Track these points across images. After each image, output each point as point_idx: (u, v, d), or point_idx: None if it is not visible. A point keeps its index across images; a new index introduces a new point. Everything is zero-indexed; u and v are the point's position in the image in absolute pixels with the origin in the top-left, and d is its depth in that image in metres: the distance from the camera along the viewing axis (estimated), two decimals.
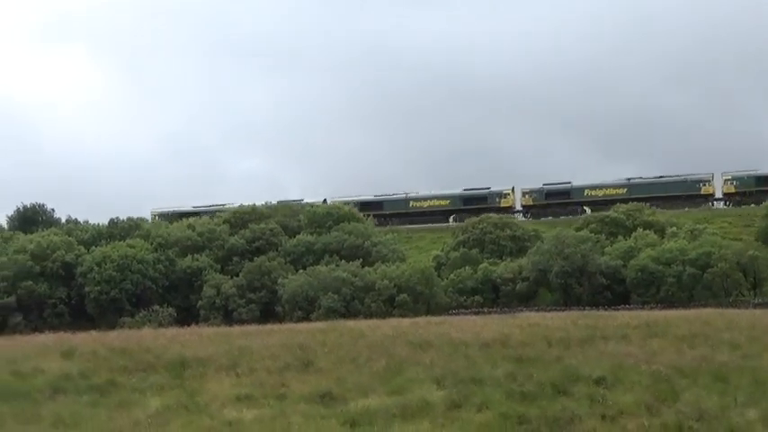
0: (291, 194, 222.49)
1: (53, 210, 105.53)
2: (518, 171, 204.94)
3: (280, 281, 76.95)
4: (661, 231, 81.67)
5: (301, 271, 77.80)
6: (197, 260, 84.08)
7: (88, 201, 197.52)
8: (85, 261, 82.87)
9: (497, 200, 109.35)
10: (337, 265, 77.36)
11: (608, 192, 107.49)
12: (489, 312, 63.60)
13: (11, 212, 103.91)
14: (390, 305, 72.34)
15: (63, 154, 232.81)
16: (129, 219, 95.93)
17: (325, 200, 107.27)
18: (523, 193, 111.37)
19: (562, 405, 17.12)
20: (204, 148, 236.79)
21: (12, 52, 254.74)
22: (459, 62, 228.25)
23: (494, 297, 76.15)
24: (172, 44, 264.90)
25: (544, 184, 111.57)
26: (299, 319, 65.48)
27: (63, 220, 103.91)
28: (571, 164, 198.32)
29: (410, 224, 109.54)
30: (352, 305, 71.85)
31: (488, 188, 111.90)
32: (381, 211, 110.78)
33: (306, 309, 72.21)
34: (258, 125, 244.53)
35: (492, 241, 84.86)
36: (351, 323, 42.64)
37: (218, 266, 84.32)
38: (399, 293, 73.33)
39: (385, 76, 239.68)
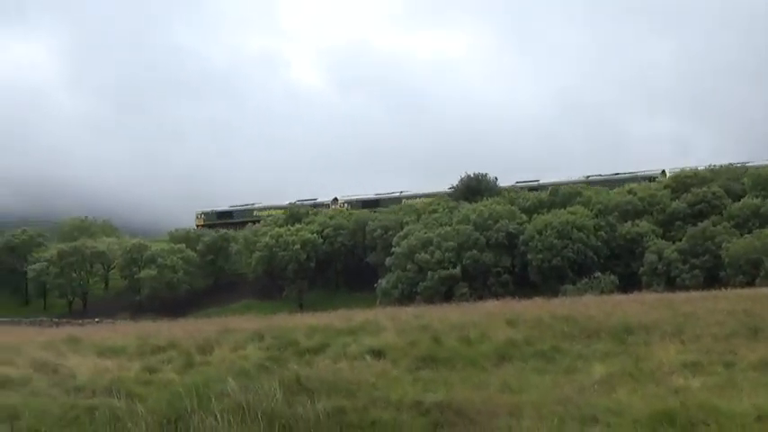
0: (695, 158, 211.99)
1: (496, 179, 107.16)
2: None
3: (724, 245, 74.60)
4: None
5: (747, 235, 74.91)
6: (637, 225, 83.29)
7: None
8: (527, 229, 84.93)
9: None
10: None
11: None
12: None
13: (455, 182, 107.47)
14: None
15: (454, 117, 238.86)
16: (571, 185, 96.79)
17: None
18: None
19: None
20: (596, 105, 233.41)
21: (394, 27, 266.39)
22: None
23: None
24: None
25: None
26: (743, 285, 63.27)
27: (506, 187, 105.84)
28: None
29: None
30: None
31: None
32: None
33: (750, 273, 69.60)
34: (654, 84, 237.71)
35: None
36: None
37: (660, 231, 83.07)
38: None
39: None
